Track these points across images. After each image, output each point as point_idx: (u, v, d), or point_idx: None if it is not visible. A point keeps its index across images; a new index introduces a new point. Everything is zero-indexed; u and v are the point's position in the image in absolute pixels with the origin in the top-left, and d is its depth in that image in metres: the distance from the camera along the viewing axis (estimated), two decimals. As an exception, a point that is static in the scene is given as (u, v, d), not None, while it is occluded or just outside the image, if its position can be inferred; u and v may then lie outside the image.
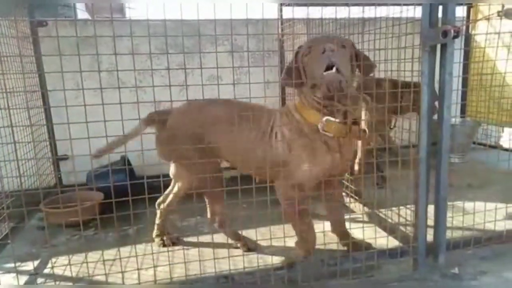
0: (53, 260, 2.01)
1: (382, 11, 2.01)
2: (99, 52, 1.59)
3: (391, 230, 2.04)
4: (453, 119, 3.56)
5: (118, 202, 1.51)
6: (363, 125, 1.73)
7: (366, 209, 2.37)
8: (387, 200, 2.10)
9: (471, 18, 3.73)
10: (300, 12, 3.03)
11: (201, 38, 2.91)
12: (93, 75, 2.55)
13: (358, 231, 2.00)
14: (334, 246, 1.93)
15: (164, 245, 2.10)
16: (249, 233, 2.09)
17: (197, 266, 1.69)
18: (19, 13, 2.66)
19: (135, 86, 1.64)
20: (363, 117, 1.82)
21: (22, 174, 2.13)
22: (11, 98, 2.28)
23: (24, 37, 2.69)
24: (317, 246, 1.86)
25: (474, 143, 3.70)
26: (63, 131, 1.91)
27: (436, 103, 1.67)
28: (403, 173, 1.77)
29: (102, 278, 1.72)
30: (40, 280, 1.86)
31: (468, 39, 3.57)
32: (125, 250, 1.94)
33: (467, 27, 3.66)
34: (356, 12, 2.01)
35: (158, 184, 1.53)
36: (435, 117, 1.68)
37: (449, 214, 1.75)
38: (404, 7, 1.85)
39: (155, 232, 2.16)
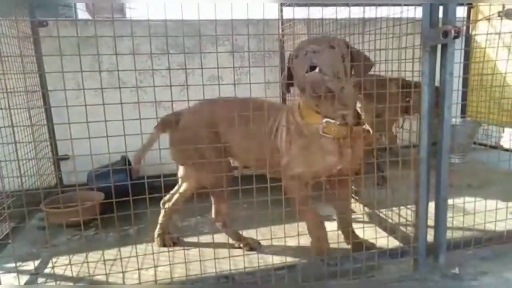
0: (54, 260, 2.01)
1: (382, 12, 2.01)
2: (99, 52, 1.59)
3: (392, 230, 2.04)
4: (454, 119, 3.57)
5: (119, 202, 1.51)
6: (366, 125, 1.74)
7: (366, 209, 2.37)
8: (387, 200, 2.09)
9: (471, 18, 3.73)
10: (300, 13, 3.03)
11: (201, 38, 2.92)
12: (94, 75, 2.56)
13: (358, 231, 2.00)
14: (334, 246, 1.93)
15: (165, 245, 2.10)
16: (250, 233, 2.09)
17: (197, 266, 1.69)
18: (19, 13, 2.66)
19: (135, 86, 1.64)
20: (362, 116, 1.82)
21: (23, 174, 2.13)
22: (12, 98, 2.28)
23: (25, 37, 2.69)
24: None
25: (474, 143, 3.70)
26: (64, 131, 1.92)
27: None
28: (404, 173, 1.77)
29: (102, 278, 1.73)
30: (40, 280, 1.86)
31: (469, 39, 3.57)
32: (125, 250, 1.94)
33: (468, 28, 3.66)
34: (356, 12, 2.01)
35: (159, 184, 1.53)
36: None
37: (449, 214, 1.75)
38: (405, 8, 1.85)
39: (157, 231, 2.15)
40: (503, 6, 2.15)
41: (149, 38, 1.60)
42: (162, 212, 2.16)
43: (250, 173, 1.66)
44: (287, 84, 1.78)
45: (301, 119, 1.75)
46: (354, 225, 2.04)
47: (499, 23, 2.27)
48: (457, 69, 1.71)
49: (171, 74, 1.56)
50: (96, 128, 1.37)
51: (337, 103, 1.66)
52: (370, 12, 1.96)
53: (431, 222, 1.75)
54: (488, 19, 2.37)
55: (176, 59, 2.92)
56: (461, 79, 3.35)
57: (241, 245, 2.06)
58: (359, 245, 1.90)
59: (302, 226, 1.82)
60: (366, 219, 2.32)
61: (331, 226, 2.11)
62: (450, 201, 1.73)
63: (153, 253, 1.75)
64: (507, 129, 3.60)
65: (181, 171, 2.13)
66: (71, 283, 1.81)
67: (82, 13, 7.50)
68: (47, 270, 1.95)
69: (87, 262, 1.68)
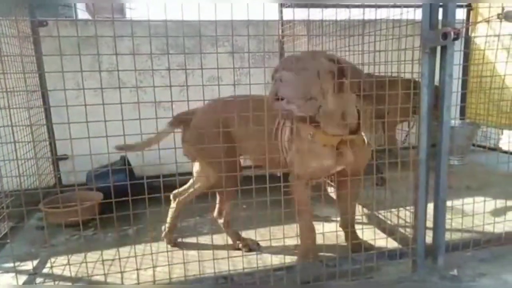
0: (52, 260, 2.01)
1: (382, 13, 2.01)
2: (99, 52, 1.59)
3: (390, 231, 2.04)
4: (453, 121, 3.58)
5: (118, 202, 1.51)
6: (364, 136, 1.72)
7: (365, 210, 2.37)
8: (386, 201, 2.10)
9: (471, 20, 3.74)
10: (300, 14, 3.03)
11: (201, 39, 2.92)
12: (94, 75, 2.56)
13: (357, 232, 2.00)
14: (333, 247, 1.93)
15: (175, 244, 2.10)
16: (249, 234, 2.09)
17: (196, 267, 1.69)
18: (19, 13, 2.66)
19: (135, 86, 1.64)
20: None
21: (22, 173, 2.13)
22: (11, 97, 2.28)
23: (25, 37, 2.69)
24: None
25: (473, 145, 3.71)
26: (63, 131, 1.92)
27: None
28: (403, 174, 1.77)
29: (101, 278, 1.72)
30: (39, 280, 1.86)
31: (468, 41, 3.58)
32: (124, 250, 1.94)
33: (467, 30, 3.66)
34: (356, 14, 2.02)
35: (158, 184, 1.53)
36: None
37: (448, 216, 1.75)
38: (404, 9, 1.85)
39: (166, 227, 2.14)
40: (503, 9, 2.16)
41: (149, 38, 1.60)
42: (174, 206, 2.17)
43: (250, 174, 1.66)
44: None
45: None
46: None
47: (498, 25, 2.28)
48: (456, 71, 1.71)
49: (171, 75, 1.56)
50: (95, 128, 1.37)
51: (328, 118, 1.65)
52: (370, 13, 1.97)
53: (429, 223, 1.75)
54: (487, 21, 2.38)
55: (176, 60, 2.92)
56: (460, 81, 3.34)
57: (240, 245, 2.06)
58: (358, 246, 1.90)
59: (301, 227, 1.82)
60: (365, 220, 2.33)
61: (329, 227, 2.11)
62: (449, 203, 1.73)
63: (151, 254, 1.75)
64: (506, 131, 3.61)
65: (196, 166, 2.16)
66: (69, 283, 1.81)
67: (82, 13, 7.50)
68: (45, 270, 1.95)
69: (86, 262, 1.67)
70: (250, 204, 1.60)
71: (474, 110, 3.60)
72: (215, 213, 2.11)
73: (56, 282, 1.81)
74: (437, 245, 1.76)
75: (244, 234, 2.11)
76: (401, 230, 1.97)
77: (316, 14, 2.73)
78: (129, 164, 2.83)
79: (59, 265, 1.89)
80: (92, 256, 1.88)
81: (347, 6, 1.82)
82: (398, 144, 3.13)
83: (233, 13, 1.56)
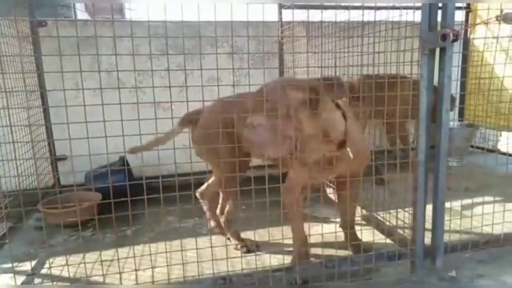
0: (51, 260, 2.00)
1: (381, 15, 2.01)
2: (99, 52, 1.59)
3: (389, 232, 2.04)
4: (451, 123, 3.58)
5: (117, 202, 1.51)
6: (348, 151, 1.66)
7: (364, 211, 2.37)
8: (385, 202, 2.10)
9: (470, 22, 3.75)
10: (300, 15, 3.03)
11: (201, 40, 2.92)
12: (93, 75, 2.55)
13: (357, 234, 2.00)
14: (333, 248, 1.93)
15: (246, 246, 2.08)
16: (248, 235, 2.09)
17: (195, 268, 1.69)
18: (19, 13, 2.66)
19: (135, 86, 1.64)
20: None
21: (20, 174, 2.13)
22: (10, 97, 2.28)
23: (24, 37, 2.69)
24: (316, 248, 1.86)
25: (472, 146, 3.71)
26: (62, 131, 1.91)
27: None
28: (402, 175, 1.77)
29: (99, 278, 1.72)
30: (37, 280, 1.86)
31: (467, 43, 3.59)
32: (123, 251, 1.94)
33: (466, 31, 3.67)
34: (355, 15, 2.02)
35: (157, 185, 1.53)
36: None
37: (447, 217, 1.75)
38: (404, 11, 1.86)
39: (230, 234, 2.13)
40: (501, 11, 2.16)
41: (148, 39, 1.60)
42: (206, 204, 2.21)
43: (250, 174, 1.66)
44: None
45: None
46: (352, 227, 2.04)
47: (497, 27, 2.28)
48: (455, 73, 1.71)
49: (170, 75, 1.56)
50: (94, 129, 1.37)
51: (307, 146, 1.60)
52: (369, 15, 1.97)
53: (428, 225, 1.75)
54: (486, 23, 2.39)
55: (175, 60, 2.92)
56: (459, 82, 3.35)
57: (239, 246, 2.06)
58: (357, 246, 1.90)
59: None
60: (363, 221, 2.33)
61: (328, 228, 2.12)
62: (447, 204, 1.73)
63: (150, 254, 1.75)
64: (504, 133, 3.61)
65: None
66: (68, 284, 1.81)
67: (81, 14, 7.49)
68: (43, 271, 1.95)
69: (84, 263, 1.67)
70: (249, 205, 1.60)
71: (472, 111, 3.60)
72: (218, 211, 2.14)
73: (55, 283, 1.80)
74: (436, 246, 1.76)
75: (243, 234, 2.11)
76: (400, 231, 1.97)
77: (315, 15, 2.74)
78: (128, 165, 2.83)
79: (58, 265, 1.89)
80: (91, 256, 1.88)
81: (347, 8, 1.82)
82: (410, 144, 3.12)
83: (233, 14, 1.56)
